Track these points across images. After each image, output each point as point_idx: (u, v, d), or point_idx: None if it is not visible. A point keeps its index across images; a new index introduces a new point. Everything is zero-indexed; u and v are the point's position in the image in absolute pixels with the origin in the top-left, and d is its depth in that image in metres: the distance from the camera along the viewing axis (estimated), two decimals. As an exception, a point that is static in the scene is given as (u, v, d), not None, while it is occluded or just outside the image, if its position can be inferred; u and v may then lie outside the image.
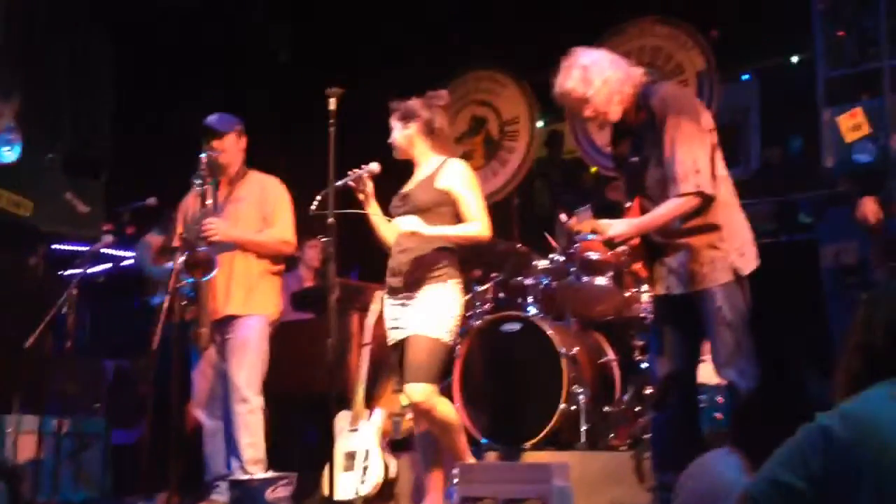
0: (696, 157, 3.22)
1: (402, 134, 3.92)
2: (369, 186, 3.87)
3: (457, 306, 3.81)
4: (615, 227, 3.34)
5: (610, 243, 3.43)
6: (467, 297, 5.16)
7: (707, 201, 3.25)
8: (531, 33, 6.57)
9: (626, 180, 3.55)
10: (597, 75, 3.34)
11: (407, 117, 3.91)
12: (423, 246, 3.78)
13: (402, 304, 3.81)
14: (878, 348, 1.64)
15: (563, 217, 5.14)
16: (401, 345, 3.80)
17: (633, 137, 3.44)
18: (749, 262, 3.31)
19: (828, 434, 1.54)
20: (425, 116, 3.92)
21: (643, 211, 3.39)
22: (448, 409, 3.78)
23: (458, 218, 3.81)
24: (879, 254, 3.80)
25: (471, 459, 3.77)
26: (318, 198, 3.62)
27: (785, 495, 1.55)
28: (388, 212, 3.94)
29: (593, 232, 3.46)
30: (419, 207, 3.78)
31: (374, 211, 3.90)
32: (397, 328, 3.83)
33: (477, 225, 3.79)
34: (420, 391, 3.65)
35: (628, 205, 3.49)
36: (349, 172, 3.81)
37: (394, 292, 3.85)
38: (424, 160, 3.94)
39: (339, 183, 3.71)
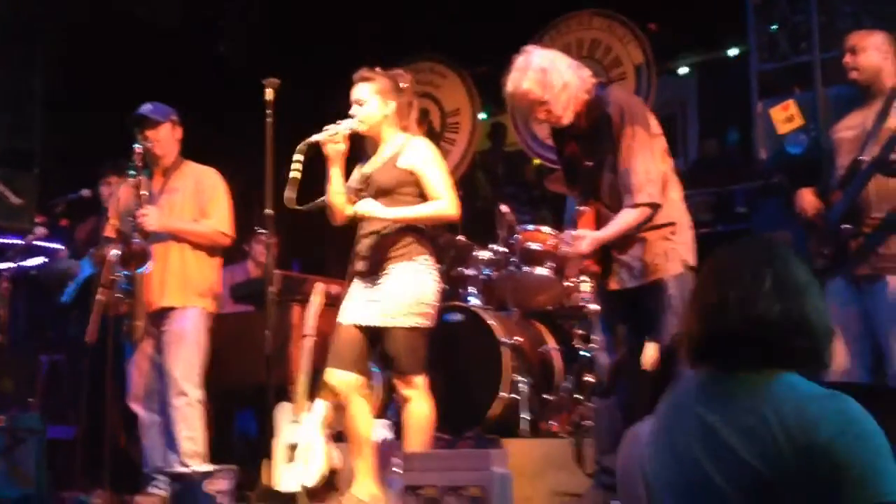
0: (648, 167, 3.29)
1: (379, 109, 3.73)
2: (343, 146, 3.69)
3: (430, 284, 3.73)
4: (585, 242, 3.36)
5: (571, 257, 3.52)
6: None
7: (655, 209, 3.32)
8: (471, 24, 6.60)
9: (580, 184, 3.56)
10: (556, 79, 3.34)
11: (391, 92, 3.75)
12: (389, 226, 3.69)
13: (371, 287, 3.71)
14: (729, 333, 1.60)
15: (503, 208, 5.18)
16: (366, 331, 3.72)
17: (583, 140, 3.46)
18: (694, 255, 3.40)
19: None
20: (409, 97, 3.82)
21: (598, 215, 3.43)
22: (424, 407, 3.76)
23: (423, 197, 3.70)
24: (818, 245, 3.88)
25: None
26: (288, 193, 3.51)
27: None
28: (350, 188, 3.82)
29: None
30: (382, 189, 3.68)
31: (336, 189, 3.75)
32: (361, 313, 3.71)
33: (443, 203, 3.69)
34: (402, 384, 3.70)
35: (584, 209, 3.49)
36: (325, 128, 3.65)
37: (361, 276, 3.76)
38: (389, 139, 3.79)
39: (314, 138, 3.59)
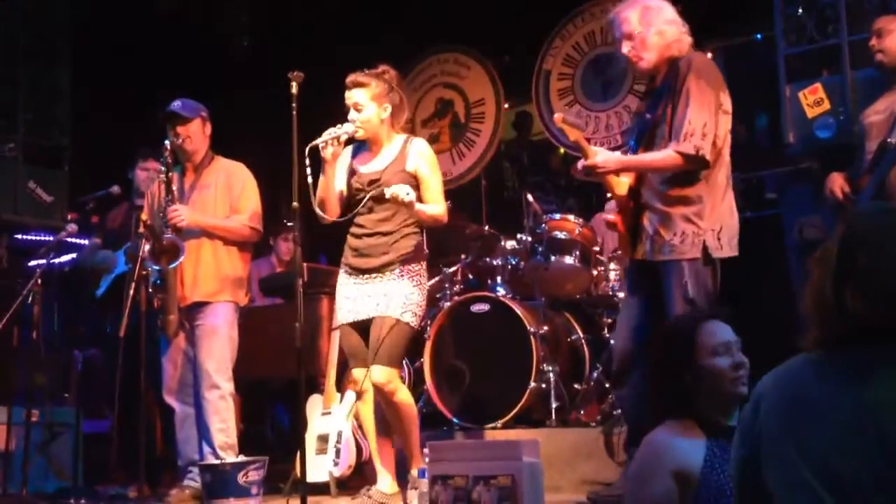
0: (706, 121, 3.23)
1: (377, 114, 3.76)
2: (341, 149, 3.75)
3: (422, 290, 3.78)
4: (602, 154, 3.35)
5: (588, 170, 3.38)
6: (437, 279, 5.20)
7: (699, 166, 3.24)
8: (494, 15, 6.57)
9: (635, 135, 3.55)
10: (656, 21, 3.36)
11: (385, 95, 3.78)
12: (397, 229, 3.74)
13: (366, 285, 3.75)
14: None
15: (529, 197, 5.18)
16: (362, 325, 3.75)
17: (653, 97, 3.46)
18: (725, 247, 3.28)
19: (756, 397, 1.59)
20: (399, 95, 3.84)
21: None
22: (408, 398, 3.74)
23: (419, 200, 3.75)
24: None
25: (418, 462, 3.65)
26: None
27: (740, 470, 1.59)
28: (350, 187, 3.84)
29: (575, 144, 3.43)
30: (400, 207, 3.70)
31: (331, 189, 3.77)
32: (357, 310, 3.75)
33: (441, 207, 3.77)
34: (383, 374, 3.63)
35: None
36: (327, 131, 3.69)
37: (358, 273, 3.79)
38: (388, 140, 3.84)
39: (317, 142, 3.63)
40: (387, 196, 3.64)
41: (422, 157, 3.78)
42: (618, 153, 3.47)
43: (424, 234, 3.90)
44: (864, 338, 1.46)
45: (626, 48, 3.41)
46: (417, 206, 3.66)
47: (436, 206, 3.76)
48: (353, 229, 3.84)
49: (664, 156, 3.25)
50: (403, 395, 3.72)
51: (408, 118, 3.97)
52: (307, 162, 3.54)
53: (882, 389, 1.42)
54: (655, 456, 2.03)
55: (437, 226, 3.84)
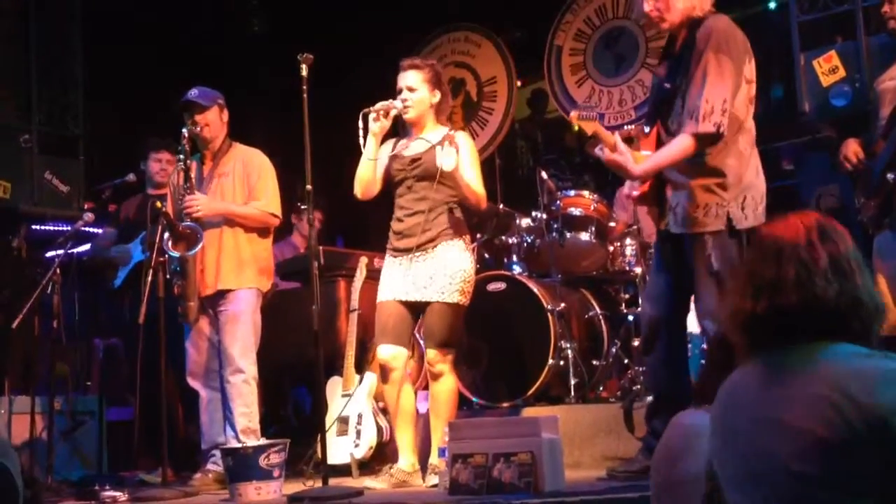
0: (720, 96, 3.16)
1: (428, 98, 3.89)
2: (388, 123, 3.86)
3: (470, 264, 3.89)
4: (626, 157, 3.23)
5: (612, 164, 3.28)
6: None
7: (717, 141, 3.20)
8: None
9: (652, 103, 3.52)
10: None
11: (437, 82, 3.92)
12: (437, 206, 3.83)
13: (411, 265, 3.83)
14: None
15: (543, 174, 5.15)
16: (405, 304, 3.83)
17: (672, 62, 3.40)
18: (750, 217, 3.23)
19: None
20: (446, 89, 3.97)
21: (659, 140, 3.38)
22: (450, 384, 3.86)
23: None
24: (864, 196, 3.80)
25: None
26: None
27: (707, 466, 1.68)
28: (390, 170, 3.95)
29: (594, 136, 3.32)
30: (430, 173, 3.81)
31: (371, 161, 3.87)
32: (399, 289, 3.83)
33: (481, 186, 3.86)
34: (429, 355, 3.79)
35: (647, 130, 3.48)
36: (378, 104, 3.80)
37: (403, 253, 3.86)
38: (431, 128, 3.93)
39: (370, 110, 3.76)
40: (438, 162, 3.74)
41: (464, 147, 3.85)
42: (641, 155, 3.36)
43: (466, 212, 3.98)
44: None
45: (647, 6, 3.34)
46: (461, 176, 3.75)
47: (474, 182, 3.84)
48: (396, 212, 3.95)
49: (683, 146, 3.19)
50: (446, 381, 3.84)
51: (449, 113, 4.07)
52: (360, 124, 3.72)
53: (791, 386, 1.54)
54: (690, 437, 2.03)
55: (477, 206, 3.91)
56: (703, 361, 4.23)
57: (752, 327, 1.63)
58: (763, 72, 3.43)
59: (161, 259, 4.13)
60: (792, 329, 1.58)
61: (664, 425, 3.38)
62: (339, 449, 4.36)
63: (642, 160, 3.37)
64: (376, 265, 4.43)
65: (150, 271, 4.11)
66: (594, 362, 4.89)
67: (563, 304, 4.78)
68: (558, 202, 4.97)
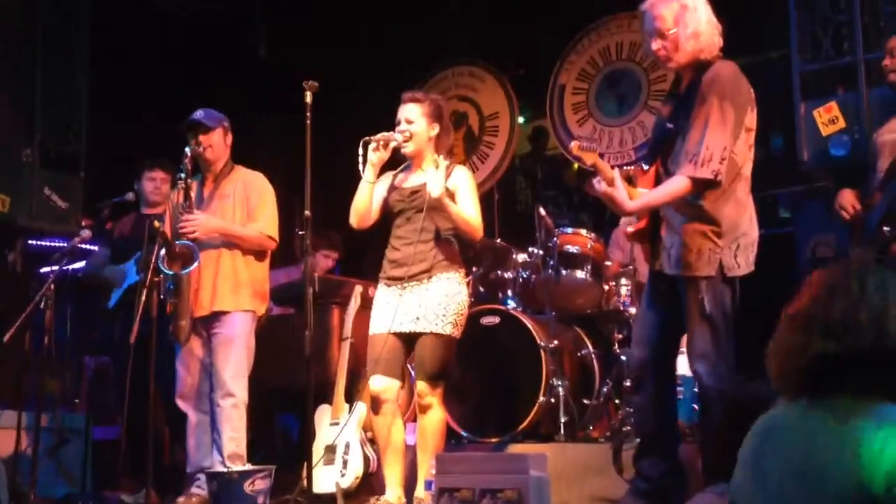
0: (726, 145, 3.16)
1: (426, 131, 3.91)
2: (387, 154, 3.89)
3: (464, 296, 3.89)
4: (621, 192, 3.20)
5: (606, 197, 3.25)
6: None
7: (712, 188, 3.19)
8: (509, 28, 6.59)
9: (653, 142, 3.52)
10: (692, 22, 3.26)
11: (436, 116, 3.94)
12: (433, 238, 3.85)
13: (403, 294, 3.83)
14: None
15: (541, 210, 5.17)
16: (397, 336, 3.82)
17: (676, 103, 3.41)
18: (742, 265, 3.25)
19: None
20: (447, 123, 3.99)
21: (657, 178, 3.38)
22: (438, 418, 3.84)
23: None
24: (859, 245, 3.82)
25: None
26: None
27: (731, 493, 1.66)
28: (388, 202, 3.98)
29: (593, 167, 3.28)
30: (431, 205, 3.82)
31: (368, 192, 3.89)
32: (392, 319, 3.81)
33: (476, 217, 3.87)
34: (419, 387, 3.78)
35: (646, 168, 3.48)
36: (379, 135, 3.83)
37: (395, 281, 3.87)
38: (431, 161, 3.93)
39: (371, 139, 3.80)
40: (427, 188, 3.75)
41: (462, 180, 3.90)
42: (638, 191, 3.36)
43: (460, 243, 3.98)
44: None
45: (656, 45, 3.34)
46: (449, 203, 3.76)
47: (471, 213, 3.85)
48: (392, 241, 3.96)
49: (678, 187, 3.19)
50: (435, 413, 3.83)
51: (450, 148, 4.08)
52: (360, 152, 3.78)
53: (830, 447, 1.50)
54: None
55: (472, 236, 3.91)
56: (695, 406, 4.21)
57: (813, 368, 1.57)
58: (763, 119, 3.45)
59: (156, 279, 4.13)
60: (852, 374, 1.54)
61: (652, 467, 3.41)
62: (325, 478, 4.33)
63: (637, 196, 3.38)
64: (370, 294, 4.42)
65: (144, 290, 4.10)
66: (585, 401, 4.87)
67: (556, 342, 4.77)
68: (555, 239, 4.99)
